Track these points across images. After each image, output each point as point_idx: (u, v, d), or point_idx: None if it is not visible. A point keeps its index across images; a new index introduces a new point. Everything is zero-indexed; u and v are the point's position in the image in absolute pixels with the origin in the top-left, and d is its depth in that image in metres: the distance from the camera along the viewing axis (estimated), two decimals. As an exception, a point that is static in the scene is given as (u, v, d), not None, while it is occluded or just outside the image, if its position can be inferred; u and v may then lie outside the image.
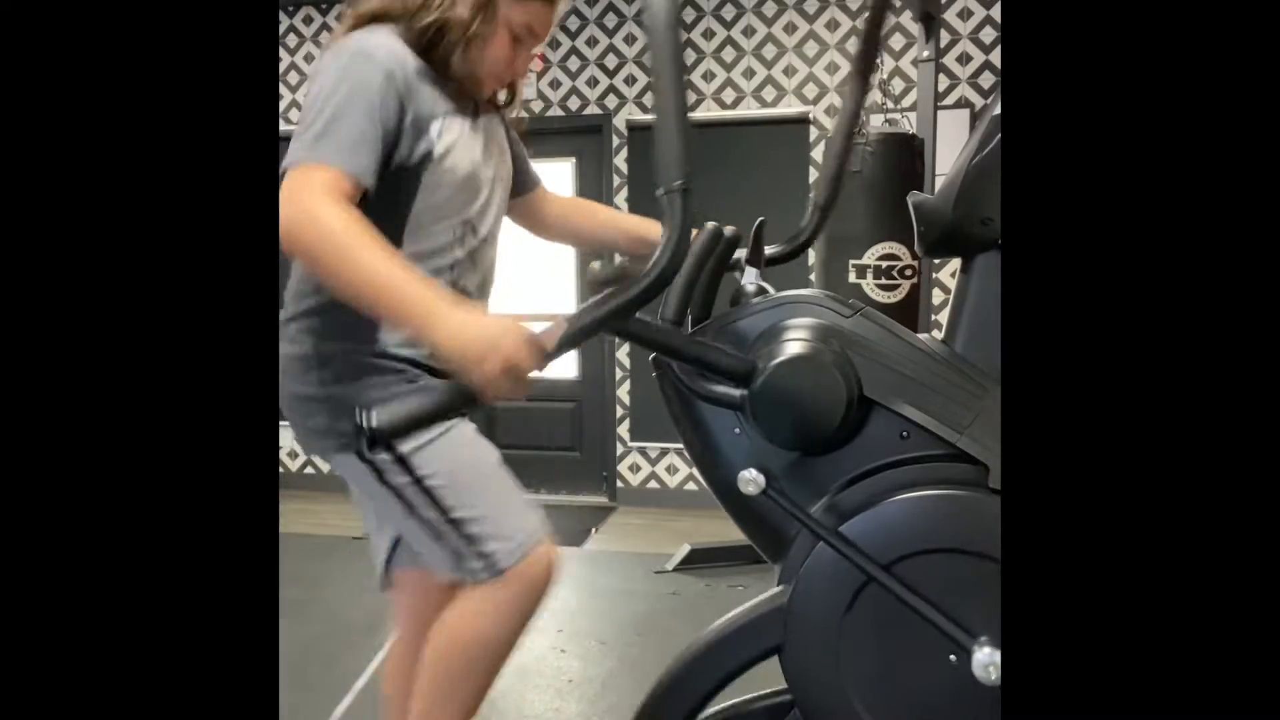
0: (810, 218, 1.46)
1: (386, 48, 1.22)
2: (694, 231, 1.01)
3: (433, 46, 1.26)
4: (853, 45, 4.08)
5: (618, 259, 1.49)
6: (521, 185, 1.55)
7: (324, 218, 1.09)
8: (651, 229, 1.56)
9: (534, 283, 4.45)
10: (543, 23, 1.32)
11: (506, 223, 1.49)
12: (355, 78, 1.19)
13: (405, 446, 1.25)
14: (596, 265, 1.44)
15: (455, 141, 1.29)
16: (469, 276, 1.35)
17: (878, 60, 1.48)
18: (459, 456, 1.30)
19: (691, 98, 4.31)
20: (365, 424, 0.94)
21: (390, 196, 1.24)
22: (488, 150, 1.37)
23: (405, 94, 1.22)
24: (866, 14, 1.42)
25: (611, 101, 4.47)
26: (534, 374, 1.02)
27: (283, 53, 4.81)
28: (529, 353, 1.01)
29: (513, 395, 1.01)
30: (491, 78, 1.33)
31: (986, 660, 0.96)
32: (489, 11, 1.27)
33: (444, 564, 1.30)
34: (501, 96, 1.44)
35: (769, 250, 1.41)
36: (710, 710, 1.22)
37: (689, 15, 4.32)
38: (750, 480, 1.06)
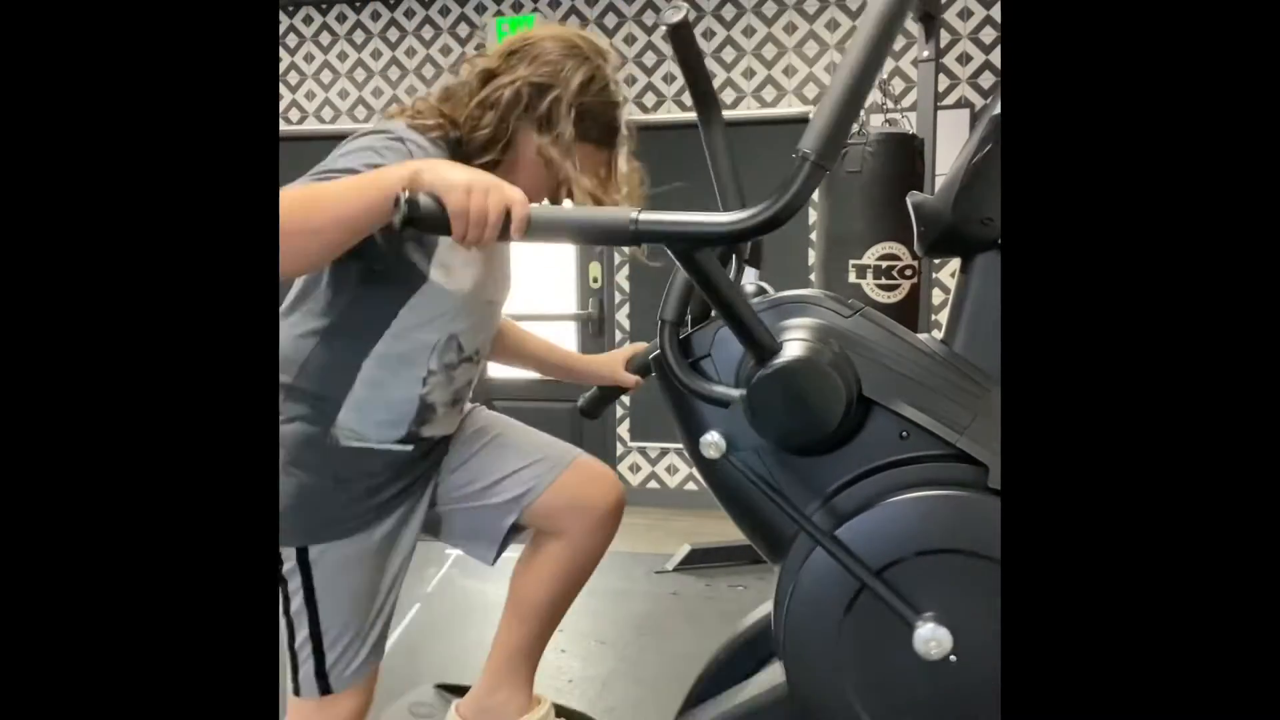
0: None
1: (418, 143, 1.19)
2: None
3: (469, 158, 1.23)
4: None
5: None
6: None
7: (286, 193, 1.02)
8: (572, 362, 1.66)
9: (534, 283, 4.45)
10: (589, 166, 1.28)
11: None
12: (375, 148, 1.15)
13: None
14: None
15: (465, 260, 1.26)
16: (440, 390, 1.32)
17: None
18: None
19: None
20: (403, 201, 0.95)
21: (388, 294, 1.23)
22: (494, 270, 1.35)
23: None
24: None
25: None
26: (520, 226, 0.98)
27: (283, 53, 4.81)
28: (499, 205, 0.97)
29: (488, 239, 0.97)
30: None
31: (929, 635, 0.97)
32: (571, 153, 1.23)
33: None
34: None
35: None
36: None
37: (690, 15, 4.32)
38: (711, 444, 1.06)
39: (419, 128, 1.22)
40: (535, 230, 0.99)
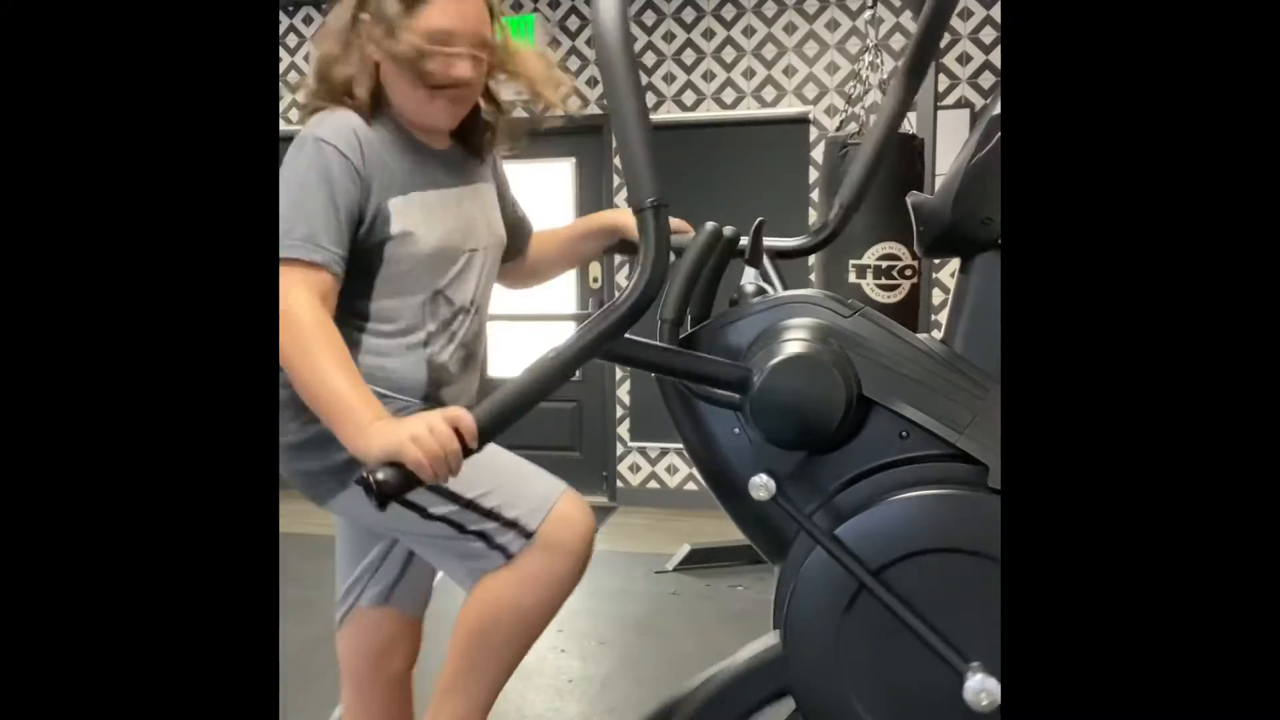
0: (835, 216, 1.43)
1: (344, 129, 1.23)
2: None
3: (372, 107, 1.27)
4: (853, 45, 4.08)
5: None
6: (520, 243, 1.54)
7: (292, 321, 1.12)
8: (612, 217, 1.57)
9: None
10: (457, 17, 1.24)
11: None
12: (314, 166, 1.20)
13: None
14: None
15: (422, 215, 1.28)
16: (445, 350, 1.32)
17: (933, 58, 1.40)
18: None
19: (691, 97, 4.31)
20: (372, 482, 0.96)
21: (358, 271, 1.25)
22: (468, 220, 1.35)
23: (363, 170, 1.22)
24: (925, 7, 1.33)
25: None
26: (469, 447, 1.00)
27: (283, 53, 4.81)
28: (447, 434, 0.99)
29: (441, 476, 1.00)
30: (430, 102, 1.27)
31: (979, 687, 0.95)
32: (395, 31, 1.23)
33: (472, 562, 1.28)
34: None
35: (787, 243, 1.41)
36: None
37: (689, 15, 4.33)
38: (761, 486, 1.06)
39: (318, 109, 1.27)
40: (496, 422, 1.00)
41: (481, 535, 1.26)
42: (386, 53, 1.24)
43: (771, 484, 1.05)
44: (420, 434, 0.99)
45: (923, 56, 1.37)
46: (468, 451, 1.00)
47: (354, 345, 1.27)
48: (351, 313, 1.27)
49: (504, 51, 1.35)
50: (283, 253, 1.17)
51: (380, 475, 0.97)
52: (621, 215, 1.53)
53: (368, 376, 1.25)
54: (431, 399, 1.31)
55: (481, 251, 1.39)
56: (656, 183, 0.95)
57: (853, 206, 1.43)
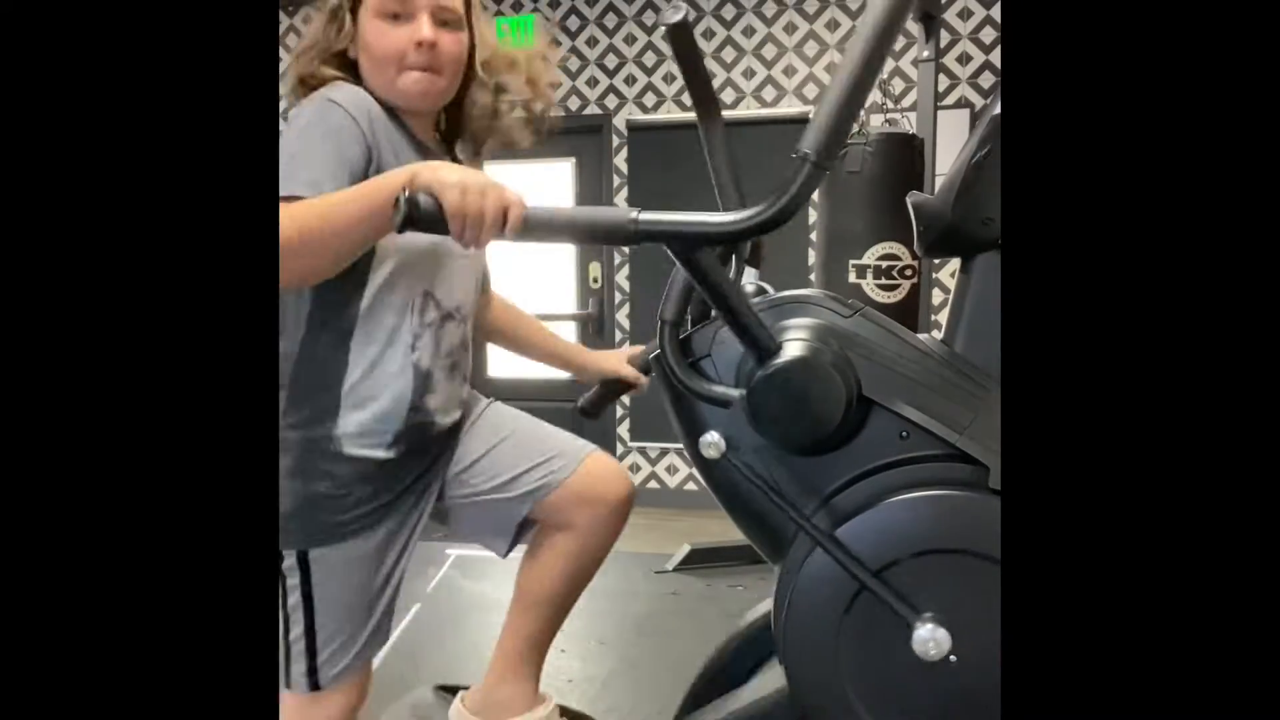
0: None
1: (355, 96, 1.24)
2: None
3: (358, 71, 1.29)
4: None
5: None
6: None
7: (290, 218, 1.06)
8: (572, 353, 1.65)
9: (534, 283, 4.45)
10: None
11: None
12: (320, 120, 1.20)
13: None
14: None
15: None
16: (430, 355, 1.31)
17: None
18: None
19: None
20: (404, 200, 0.96)
21: (350, 267, 1.23)
22: None
23: (370, 138, 1.22)
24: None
25: (611, 101, 4.47)
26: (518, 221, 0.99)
27: (283, 53, 4.81)
28: (496, 205, 0.98)
29: (485, 239, 0.99)
30: (403, 75, 1.27)
31: (927, 636, 0.97)
32: (339, 16, 1.27)
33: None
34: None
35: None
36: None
37: (689, 16, 4.32)
38: (711, 444, 1.06)
39: (326, 81, 1.28)
40: (533, 230, 1.00)
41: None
42: (351, 33, 1.27)
43: (721, 442, 1.05)
44: (472, 190, 0.98)
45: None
46: (501, 235, 1.00)
47: (341, 356, 1.26)
48: (339, 318, 1.26)
49: (501, 56, 1.36)
50: (284, 190, 1.13)
51: (420, 198, 0.96)
52: (584, 361, 1.65)
53: (354, 384, 1.26)
54: (416, 407, 1.30)
55: (469, 262, 1.39)
56: (830, 148, 0.94)
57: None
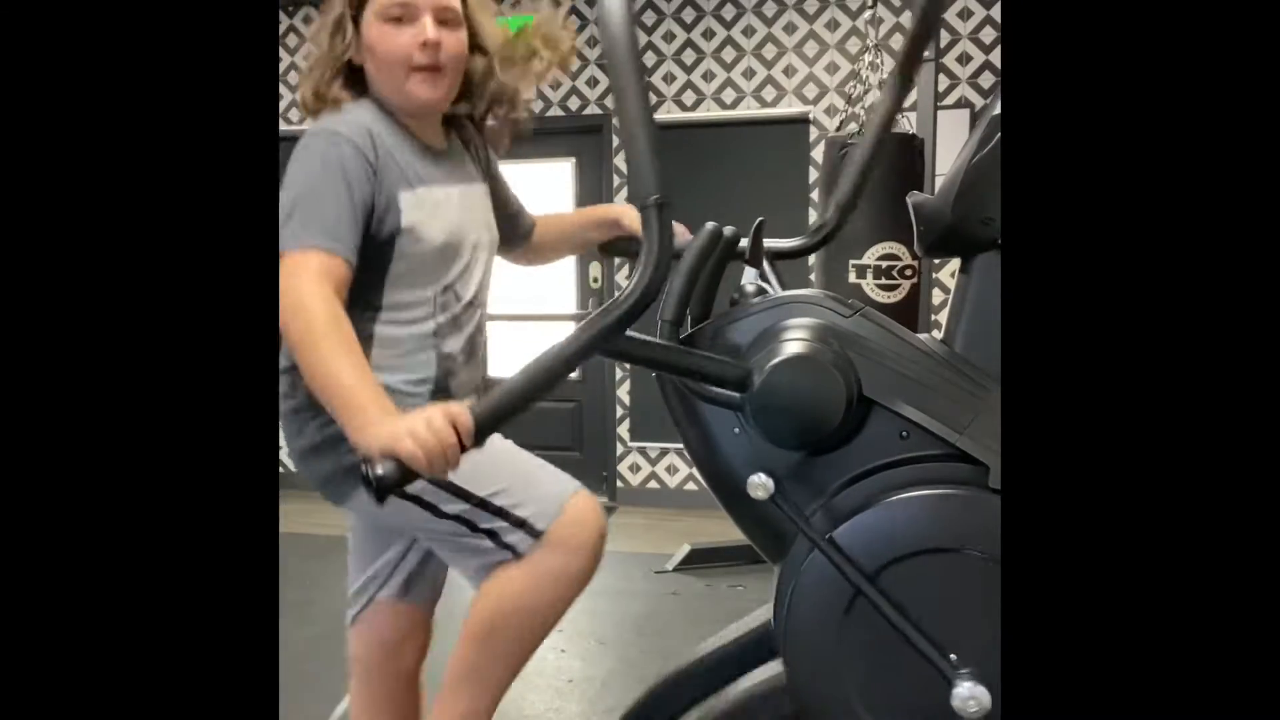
0: (831, 216, 1.44)
1: (356, 124, 1.26)
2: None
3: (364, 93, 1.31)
4: (853, 45, 4.08)
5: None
6: (521, 235, 1.59)
7: (305, 311, 1.13)
8: (608, 214, 1.60)
9: (534, 284, 4.45)
10: None
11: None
12: (329, 158, 1.22)
13: None
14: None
15: (428, 211, 1.30)
16: (452, 341, 1.35)
17: (923, 57, 1.42)
18: None
19: (691, 97, 4.31)
20: (371, 476, 0.97)
21: (370, 264, 1.26)
22: (471, 217, 1.39)
23: (375, 163, 1.24)
24: (918, 10, 1.35)
25: (611, 101, 4.47)
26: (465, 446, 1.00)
27: (283, 53, 4.81)
28: (444, 428, 0.99)
29: (438, 470, 1.00)
30: (409, 77, 1.29)
31: (967, 694, 0.96)
32: (342, 25, 1.29)
33: (482, 559, 1.30)
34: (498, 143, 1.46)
35: (784, 244, 1.41)
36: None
37: (689, 15, 4.33)
38: (759, 485, 1.06)
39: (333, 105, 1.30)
40: (488, 426, 1.00)
41: (491, 534, 1.27)
42: (354, 42, 1.29)
43: (770, 483, 1.05)
44: (417, 429, 0.99)
45: (914, 56, 1.38)
46: (464, 448, 1.00)
47: (367, 338, 1.28)
48: (365, 305, 1.29)
49: (508, 37, 1.38)
50: (298, 241, 1.17)
51: (379, 469, 0.98)
52: (625, 210, 1.55)
53: (380, 368, 1.27)
54: (441, 389, 1.34)
55: (483, 249, 1.42)
56: (660, 181, 0.95)
57: (849, 206, 1.44)
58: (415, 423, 1.00)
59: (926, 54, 3.12)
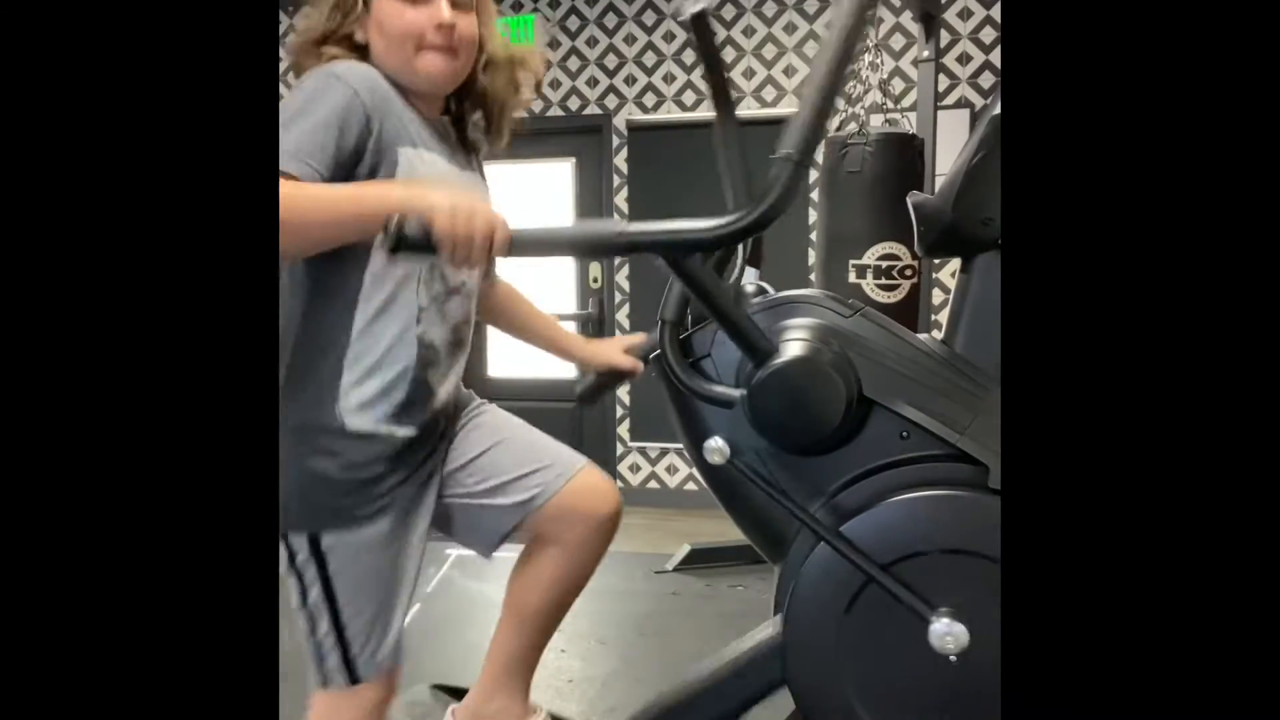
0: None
1: (359, 72, 1.23)
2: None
3: (356, 52, 1.28)
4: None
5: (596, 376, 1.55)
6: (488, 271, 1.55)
7: (281, 199, 1.06)
8: (571, 341, 1.62)
9: (534, 284, 4.45)
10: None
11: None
12: (319, 94, 1.18)
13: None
14: (579, 381, 1.53)
15: (427, 171, 1.26)
16: (435, 328, 1.30)
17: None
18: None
19: (691, 97, 4.32)
20: (394, 227, 0.97)
21: None
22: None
23: (373, 112, 1.21)
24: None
25: (611, 101, 4.47)
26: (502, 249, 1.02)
27: (283, 53, 4.81)
28: (484, 227, 1.00)
29: (475, 259, 1.01)
30: (419, 55, 1.27)
31: (944, 630, 0.97)
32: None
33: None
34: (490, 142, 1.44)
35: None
36: None
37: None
38: (716, 449, 1.06)
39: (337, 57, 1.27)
40: (522, 247, 1.02)
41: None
42: (360, 16, 1.27)
43: (726, 448, 1.06)
44: (461, 213, 0.99)
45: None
46: (491, 255, 1.02)
47: (345, 327, 1.25)
48: (343, 288, 1.25)
49: (505, 53, 1.37)
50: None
51: (408, 226, 0.98)
52: (582, 350, 1.60)
53: (357, 355, 1.25)
54: (419, 379, 1.29)
55: None
56: (809, 147, 0.99)
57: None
58: (463, 203, 1.00)
59: (926, 54, 3.13)
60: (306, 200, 1.07)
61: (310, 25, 1.31)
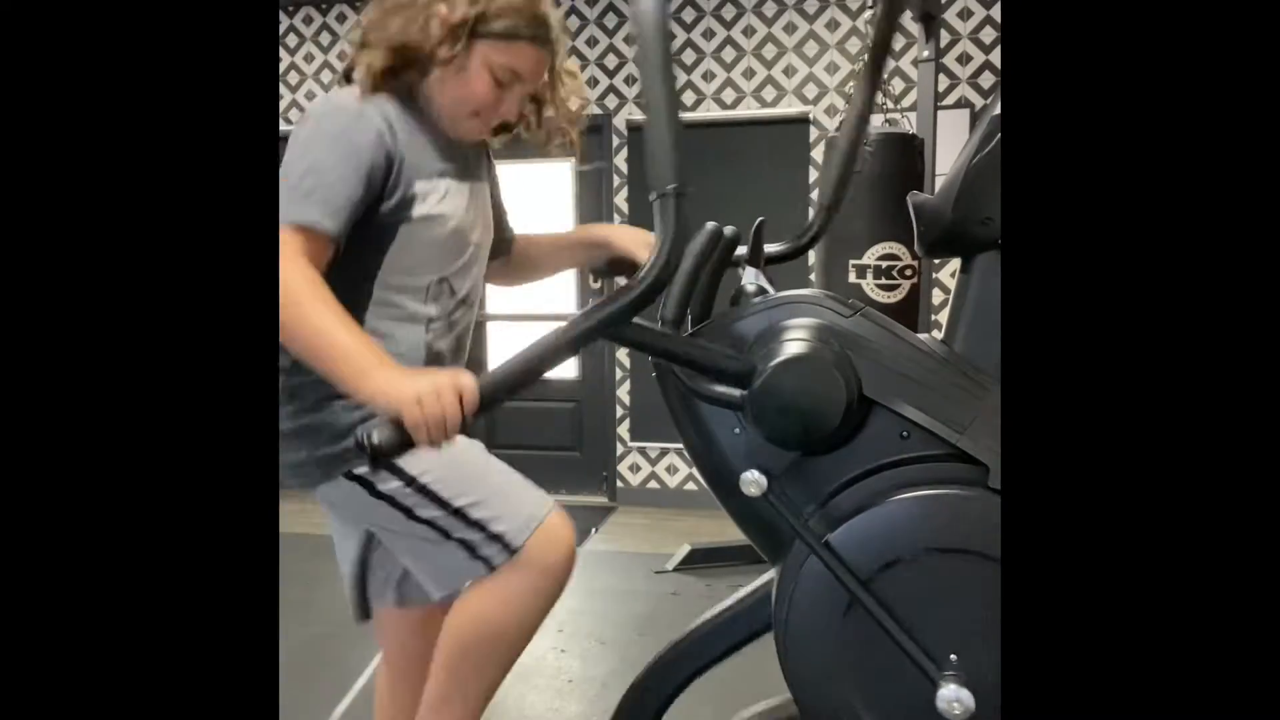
0: (816, 218, 1.46)
1: (380, 107, 1.24)
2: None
3: (415, 75, 1.26)
4: (853, 45, 4.08)
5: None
6: (505, 245, 1.55)
7: (286, 282, 1.11)
8: (593, 234, 1.58)
9: (533, 284, 4.45)
10: (530, 68, 1.29)
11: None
12: (345, 133, 1.20)
13: None
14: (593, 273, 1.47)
15: (443, 200, 1.29)
16: (443, 338, 1.35)
17: (888, 60, 1.45)
18: (447, 451, 1.23)
19: (691, 97, 4.31)
20: (366, 442, 0.96)
21: (370, 245, 1.26)
22: (477, 213, 1.38)
23: (394, 153, 1.23)
24: (876, 13, 1.40)
25: (611, 101, 4.47)
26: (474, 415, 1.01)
27: (283, 53, 4.81)
28: (452, 401, 0.99)
29: (436, 441, 1.00)
30: (471, 119, 1.31)
31: (952, 696, 0.97)
32: (458, 37, 1.23)
33: (450, 569, 1.28)
34: (496, 143, 1.45)
35: (773, 248, 1.41)
36: None
37: (689, 15, 4.32)
38: (752, 482, 1.06)
39: (371, 85, 1.26)
40: (496, 391, 1.01)
41: (465, 544, 1.26)
42: (495, 60, 1.25)
43: (763, 480, 1.05)
44: (426, 396, 0.98)
45: (880, 54, 1.40)
46: (466, 421, 1.00)
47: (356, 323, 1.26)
48: (356, 289, 1.27)
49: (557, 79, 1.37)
50: (293, 215, 1.16)
51: (376, 437, 0.97)
52: (614, 231, 1.53)
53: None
54: None
55: (484, 247, 1.42)
56: (679, 170, 0.95)
57: (833, 207, 1.44)
58: (424, 389, 0.99)
59: (926, 54, 3.13)
60: (307, 323, 1.11)
61: (392, 34, 1.25)
